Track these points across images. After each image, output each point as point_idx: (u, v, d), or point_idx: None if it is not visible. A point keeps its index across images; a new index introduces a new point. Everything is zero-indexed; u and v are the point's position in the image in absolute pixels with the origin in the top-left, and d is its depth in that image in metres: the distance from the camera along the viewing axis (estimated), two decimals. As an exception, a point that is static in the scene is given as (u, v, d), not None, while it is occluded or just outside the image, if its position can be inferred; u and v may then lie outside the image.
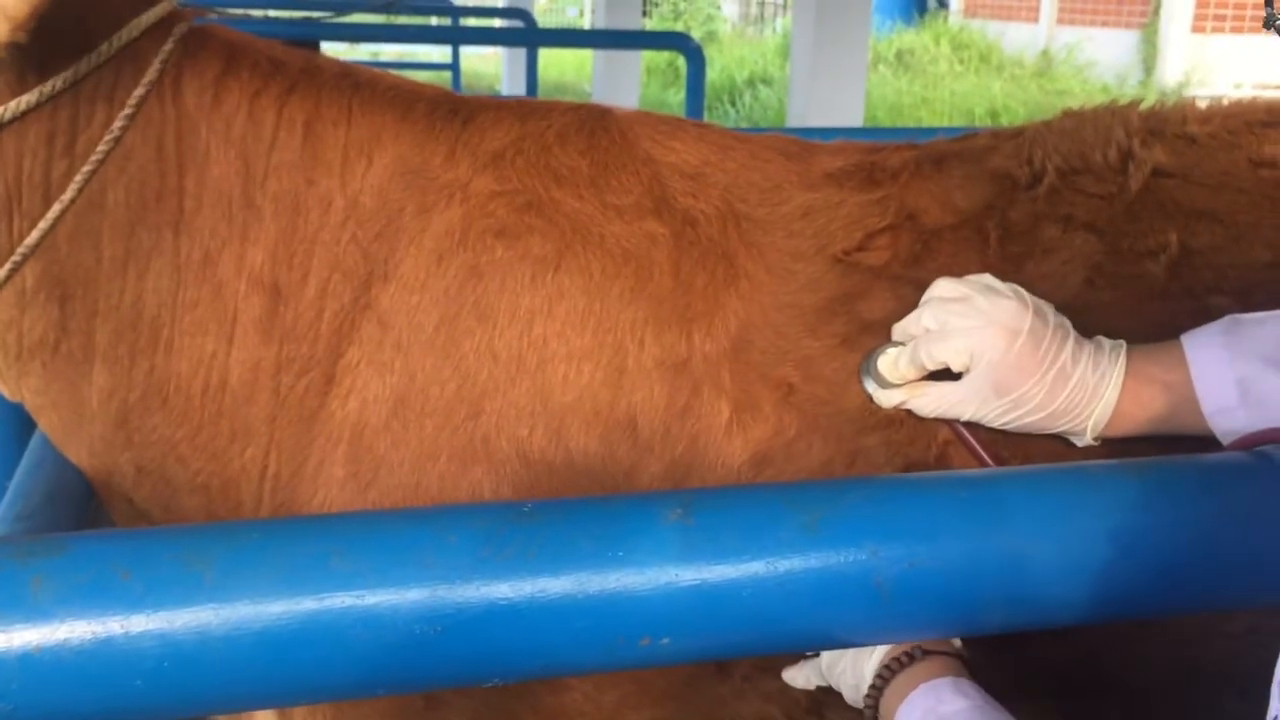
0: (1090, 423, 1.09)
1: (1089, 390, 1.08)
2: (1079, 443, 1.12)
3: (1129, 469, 0.87)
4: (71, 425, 1.26)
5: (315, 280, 1.21)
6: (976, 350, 1.08)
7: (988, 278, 1.12)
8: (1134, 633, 1.14)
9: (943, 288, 1.13)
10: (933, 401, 1.13)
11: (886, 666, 0.99)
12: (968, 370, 1.10)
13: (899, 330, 1.15)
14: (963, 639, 1.03)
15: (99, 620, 0.65)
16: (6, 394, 1.31)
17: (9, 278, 1.18)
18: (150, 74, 1.19)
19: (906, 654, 0.99)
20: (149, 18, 1.20)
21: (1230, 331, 1.07)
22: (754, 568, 0.75)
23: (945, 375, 1.13)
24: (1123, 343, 1.11)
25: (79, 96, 1.16)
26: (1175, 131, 1.24)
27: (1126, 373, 1.08)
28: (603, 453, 1.17)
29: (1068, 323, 1.11)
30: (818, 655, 1.12)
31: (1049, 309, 1.11)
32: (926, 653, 0.98)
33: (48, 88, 1.13)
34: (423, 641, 0.70)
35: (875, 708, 0.99)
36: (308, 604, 0.69)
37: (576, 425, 1.17)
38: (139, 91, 1.18)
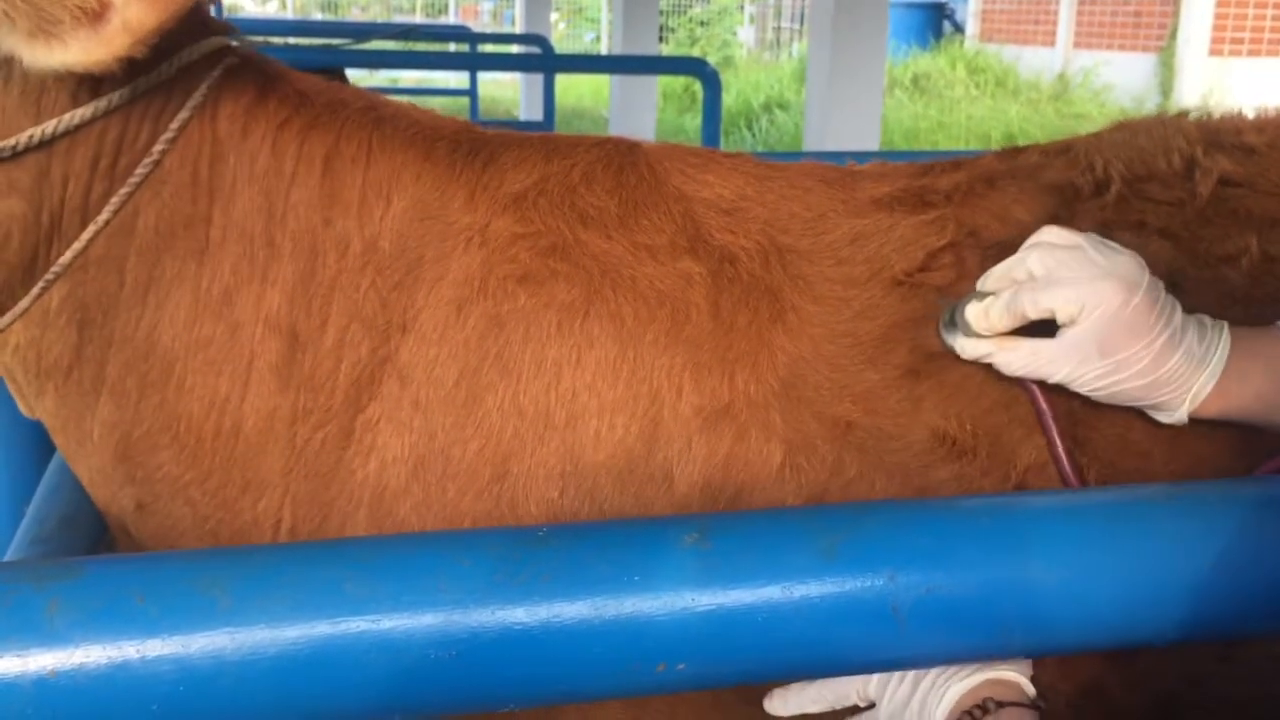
0: (1191, 394, 1.03)
1: (1195, 360, 1.02)
2: (1168, 418, 1.06)
3: (1147, 494, 0.86)
4: (73, 455, 1.25)
5: (334, 328, 1.17)
6: (1089, 302, 1.00)
7: (1095, 236, 1.06)
8: (1214, 670, 1.11)
9: (1052, 234, 1.06)
10: (1024, 356, 1.05)
11: (967, 713, 0.93)
12: (1072, 323, 1.02)
13: (995, 277, 1.09)
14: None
15: (114, 645, 0.66)
16: (24, 410, 1.31)
17: (38, 297, 1.18)
18: (195, 98, 1.17)
19: (979, 706, 0.92)
20: (210, 44, 1.19)
21: None
22: (770, 593, 0.75)
23: (1036, 332, 1.06)
24: (1225, 322, 1.06)
25: (129, 117, 1.14)
26: (1233, 142, 1.22)
27: (1231, 348, 1.03)
28: (637, 511, 1.11)
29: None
30: (871, 707, 1.07)
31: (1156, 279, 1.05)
32: (1001, 704, 0.91)
33: (103, 103, 1.11)
34: (437, 666, 0.70)
35: None
36: (322, 628, 0.68)
37: (610, 484, 1.11)
38: (183, 115, 1.16)
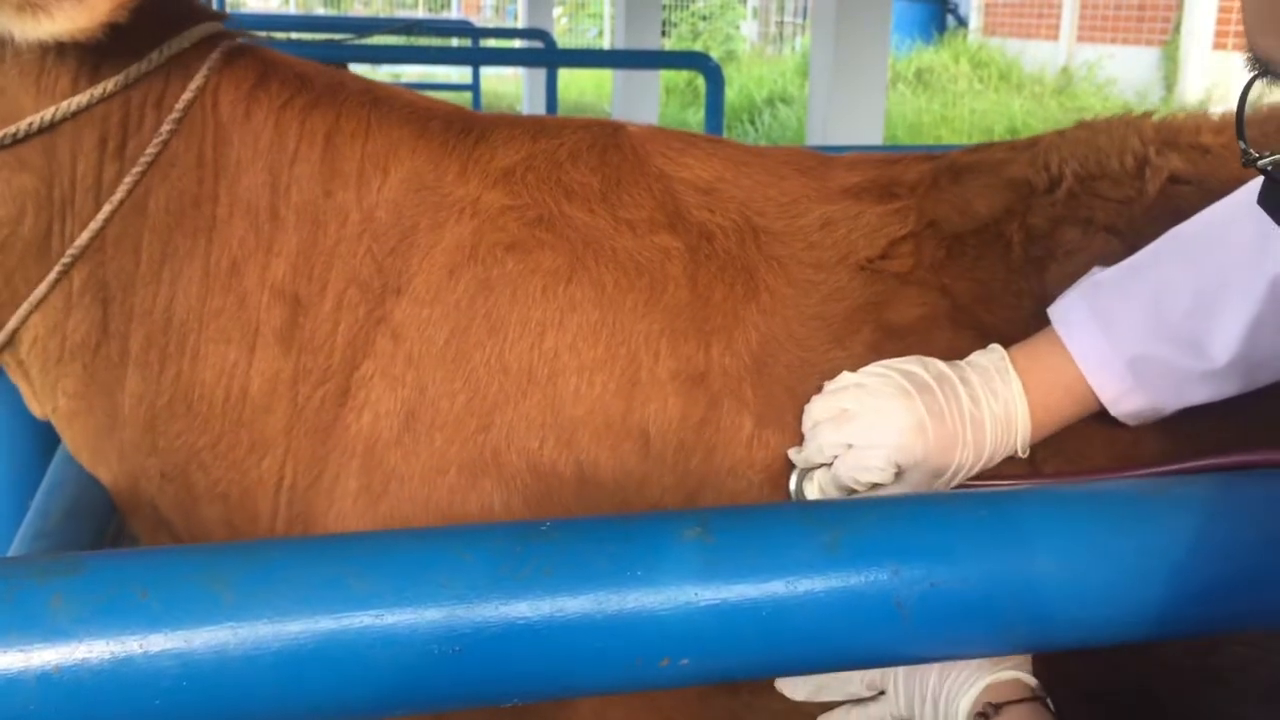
0: (1019, 446, 1.11)
1: (1004, 422, 1.09)
2: (1022, 454, 1.13)
3: (1151, 488, 0.86)
4: (105, 429, 1.29)
5: (332, 292, 1.23)
6: (899, 459, 1.07)
7: (852, 377, 1.12)
8: (1188, 664, 1.13)
9: (821, 409, 1.12)
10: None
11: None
12: (900, 475, 1.08)
13: (803, 460, 1.14)
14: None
15: (118, 640, 0.65)
16: (35, 409, 1.33)
17: (60, 279, 1.23)
18: (197, 81, 1.23)
19: (981, 714, 0.96)
20: (199, 31, 1.25)
21: (1098, 307, 1.09)
22: (774, 587, 0.75)
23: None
24: (999, 349, 1.12)
25: (129, 102, 1.21)
26: (1189, 141, 1.25)
27: (1025, 387, 1.09)
28: (614, 465, 1.17)
29: (939, 363, 1.11)
30: (874, 699, 1.09)
31: (919, 366, 1.10)
32: (999, 706, 0.95)
33: (98, 90, 1.18)
34: (441, 661, 0.70)
35: None
36: (326, 623, 0.68)
37: (587, 437, 1.17)
38: (187, 97, 1.22)
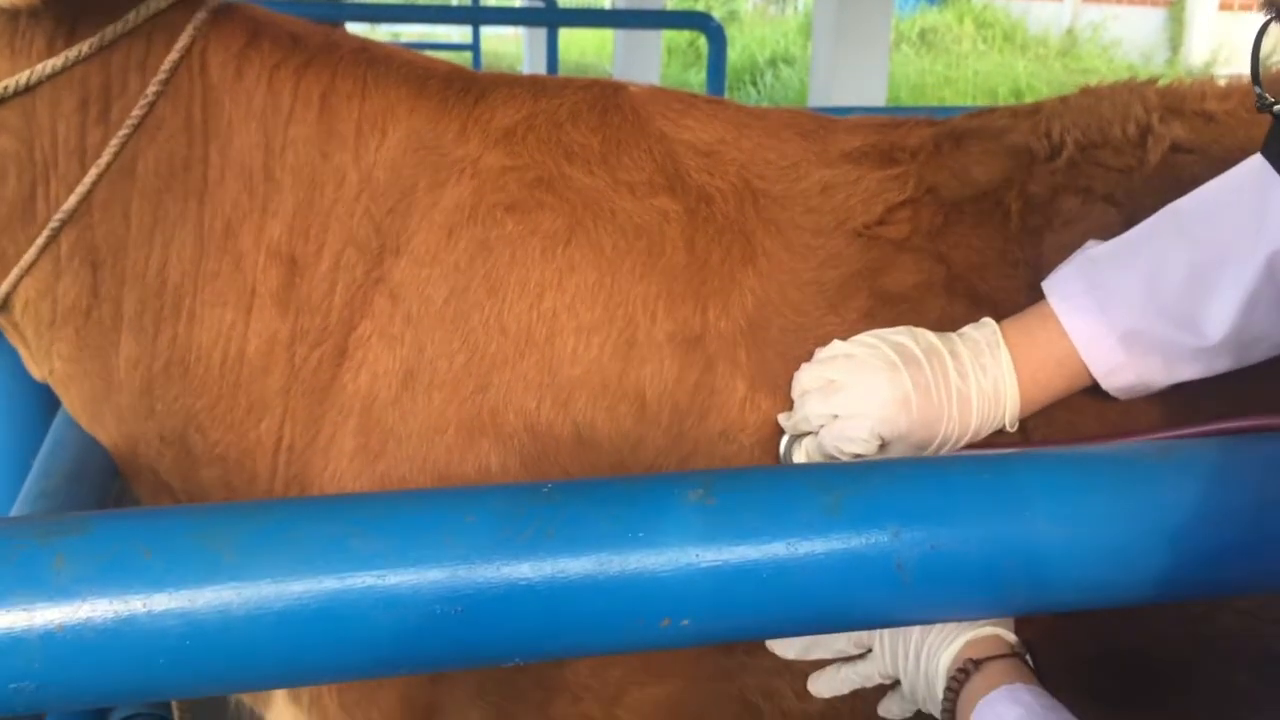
0: (1006, 421, 1.11)
1: (991, 397, 1.09)
2: (1011, 428, 1.13)
3: (1150, 452, 0.86)
4: (101, 394, 1.29)
5: (329, 253, 1.23)
6: (883, 431, 1.07)
7: (842, 346, 1.12)
8: (1147, 608, 1.14)
9: (809, 378, 1.13)
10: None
11: (953, 678, 0.97)
12: (884, 446, 1.09)
13: (792, 427, 1.15)
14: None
15: (121, 599, 0.66)
16: (34, 372, 1.33)
17: (49, 243, 1.22)
18: (182, 42, 1.22)
19: (961, 670, 0.97)
20: None
21: (1093, 281, 1.09)
22: (775, 549, 0.75)
23: None
24: (991, 323, 1.12)
25: (110, 65, 1.20)
26: (1194, 108, 1.24)
27: (1015, 362, 1.09)
28: (610, 426, 1.17)
29: (930, 335, 1.11)
30: (863, 657, 1.11)
31: (909, 338, 1.10)
32: (979, 662, 0.96)
33: (73, 52, 1.17)
34: (443, 621, 0.71)
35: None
36: (328, 583, 0.69)
37: (584, 398, 1.17)
38: (172, 57, 1.21)
